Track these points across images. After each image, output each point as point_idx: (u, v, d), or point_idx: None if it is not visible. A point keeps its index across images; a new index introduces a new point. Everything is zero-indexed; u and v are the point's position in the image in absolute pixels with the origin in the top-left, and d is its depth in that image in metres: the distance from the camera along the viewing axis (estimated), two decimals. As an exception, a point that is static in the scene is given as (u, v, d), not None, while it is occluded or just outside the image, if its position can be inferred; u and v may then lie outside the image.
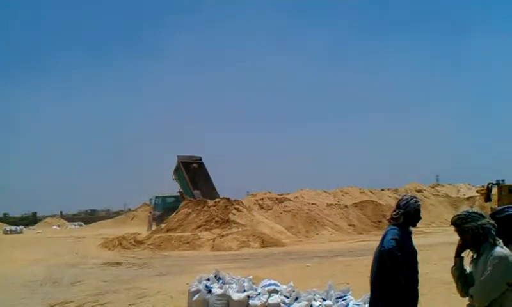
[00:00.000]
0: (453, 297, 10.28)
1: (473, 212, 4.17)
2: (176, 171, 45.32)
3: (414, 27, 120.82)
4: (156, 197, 49.25)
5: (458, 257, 4.23)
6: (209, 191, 42.25)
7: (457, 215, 4.23)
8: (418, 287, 4.91)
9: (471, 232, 4.08)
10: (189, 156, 45.86)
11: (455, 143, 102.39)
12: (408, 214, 4.86)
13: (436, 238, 24.29)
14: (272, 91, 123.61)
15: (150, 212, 47.94)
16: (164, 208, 46.68)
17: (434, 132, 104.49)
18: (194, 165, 45.10)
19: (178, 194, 46.26)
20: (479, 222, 4.09)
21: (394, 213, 4.96)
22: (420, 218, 4.97)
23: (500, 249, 3.97)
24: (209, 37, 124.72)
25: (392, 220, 4.98)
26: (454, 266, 4.24)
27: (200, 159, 45.83)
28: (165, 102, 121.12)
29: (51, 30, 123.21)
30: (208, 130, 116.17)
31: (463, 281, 4.17)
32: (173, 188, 47.53)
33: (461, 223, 4.12)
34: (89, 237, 37.69)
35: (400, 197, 5.11)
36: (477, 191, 36.30)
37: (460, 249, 4.22)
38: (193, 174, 44.68)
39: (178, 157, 45.12)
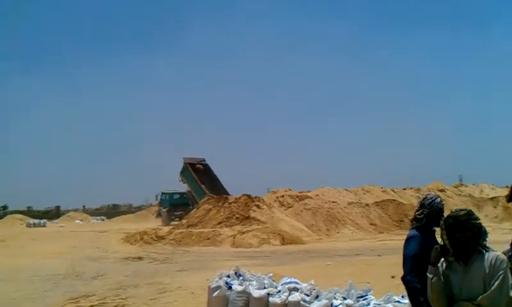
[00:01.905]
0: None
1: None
2: (183, 172, 48.10)
3: (434, 23, 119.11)
4: (163, 193, 50.60)
5: (435, 266, 3.98)
6: (217, 189, 44.47)
7: (462, 209, 4.01)
8: None
9: (476, 229, 3.86)
10: (194, 158, 48.86)
11: (479, 142, 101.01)
12: (431, 214, 4.74)
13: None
14: (293, 87, 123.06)
15: (166, 207, 48.90)
16: (170, 204, 48.21)
17: (457, 131, 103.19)
18: (199, 166, 48.19)
19: (186, 192, 49.01)
20: (479, 221, 3.92)
21: (418, 213, 4.83)
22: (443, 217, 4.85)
23: (499, 253, 3.83)
24: (220, 33, 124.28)
25: (414, 221, 4.89)
26: (433, 277, 3.96)
27: (204, 160, 49.02)
28: (182, 98, 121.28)
29: (68, 27, 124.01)
30: (228, 126, 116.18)
31: (447, 293, 3.87)
32: (178, 184, 49.95)
33: (468, 217, 3.83)
34: (111, 232, 38.08)
35: (424, 196, 4.95)
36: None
37: (440, 255, 3.97)
38: (199, 174, 47.49)
39: (184, 158, 48.22)
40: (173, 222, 44.89)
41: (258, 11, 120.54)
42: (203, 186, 46.33)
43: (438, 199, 4.80)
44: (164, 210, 48.02)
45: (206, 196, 41.57)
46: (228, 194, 41.35)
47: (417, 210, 4.84)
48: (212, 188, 45.19)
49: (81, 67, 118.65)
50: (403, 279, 4.64)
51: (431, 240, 4.72)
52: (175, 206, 48.28)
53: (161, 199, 50.39)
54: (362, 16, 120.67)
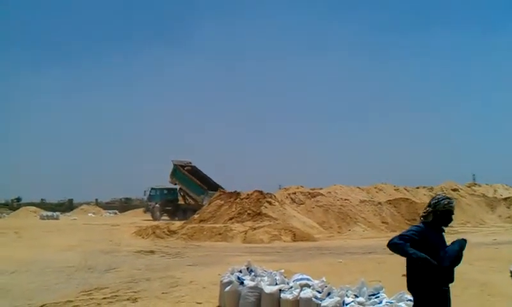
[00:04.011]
0: (487, 299, 10.16)
1: None
2: (174, 173, 50.81)
3: (448, 24, 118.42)
4: (152, 189, 52.13)
5: None
6: (212, 186, 48.10)
7: None
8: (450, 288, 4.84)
9: None
10: (181, 160, 51.80)
11: (493, 142, 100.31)
12: (435, 213, 4.80)
13: (471, 238, 23.77)
14: (308, 87, 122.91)
15: (156, 203, 50.20)
16: (161, 200, 50.40)
17: (471, 131, 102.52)
18: (187, 167, 51.16)
19: (175, 188, 51.88)
20: None
21: (424, 210, 4.94)
22: (450, 219, 4.88)
23: None
24: (230, 34, 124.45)
25: (422, 218, 4.97)
26: None
27: (191, 163, 52.25)
28: (194, 96, 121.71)
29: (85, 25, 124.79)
30: (241, 125, 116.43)
31: None
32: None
33: None
34: (124, 225, 38.31)
35: (434, 196, 5.06)
36: None
37: None
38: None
39: (173, 161, 51.05)
40: (163, 218, 47.14)
41: (267, 11, 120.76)
42: (199, 182, 49.14)
43: (445, 201, 4.85)
44: (157, 205, 49.01)
45: (204, 192, 47.17)
46: (223, 189, 43.87)
47: (424, 208, 4.95)
48: (208, 186, 48.58)
49: (94, 64, 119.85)
50: (388, 243, 4.73)
51: (436, 236, 4.78)
52: (165, 202, 50.23)
53: (150, 195, 51.75)
54: (373, 17, 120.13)
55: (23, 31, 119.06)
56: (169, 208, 49.88)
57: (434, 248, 4.72)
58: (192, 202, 49.84)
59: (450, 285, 4.78)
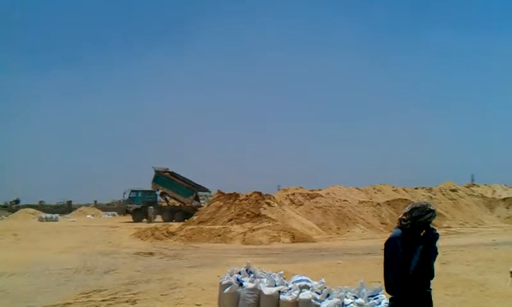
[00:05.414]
0: (486, 299, 10.18)
1: None
2: (156, 179, 52.04)
3: (449, 24, 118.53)
4: (132, 191, 52.16)
5: None
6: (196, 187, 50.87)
7: None
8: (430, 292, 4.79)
9: None
10: (160, 167, 52.95)
11: (491, 142, 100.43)
12: (414, 224, 4.73)
13: (470, 239, 23.92)
14: (306, 87, 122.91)
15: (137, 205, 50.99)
16: (143, 202, 50.73)
17: (470, 131, 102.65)
18: (166, 173, 52.47)
19: (154, 190, 52.70)
20: None
21: (404, 218, 4.84)
22: (428, 228, 4.83)
23: None
24: (230, 33, 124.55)
25: (399, 222, 4.91)
26: None
27: (168, 169, 53.35)
28: (192, 96, 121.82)
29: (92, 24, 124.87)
30: (239, 125, 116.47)
31: None
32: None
33: None
34: (122, 227, 38.29)
35: (418, 205, 4.84)
36: None
37: None
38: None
39: (153, 167, 52.38)
40: (144, 220, 46.82)
41: (266, 12, 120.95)
42: (186, 184, 50.89)
43: (427, 215, 4.72)
44: (150, 207, 49.21)
45: (193, 193, 49.60)
46: (207, 190, 48.15)
47: (405, 214, 4.85)
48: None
49: (94, 66, 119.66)
50: (389, 240, 4.73)
51: (413, 241, 4.73)
52: (147, 204, 50.37)
53: (130, 197, 51.58)
54: (373, 16, 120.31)
55: (24, 31, 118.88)
56: (152, 209, 49.92)
57: (408, 253, 4.70)
58: (177, 204, 50.88)
59: (432, 287, 4.76)
